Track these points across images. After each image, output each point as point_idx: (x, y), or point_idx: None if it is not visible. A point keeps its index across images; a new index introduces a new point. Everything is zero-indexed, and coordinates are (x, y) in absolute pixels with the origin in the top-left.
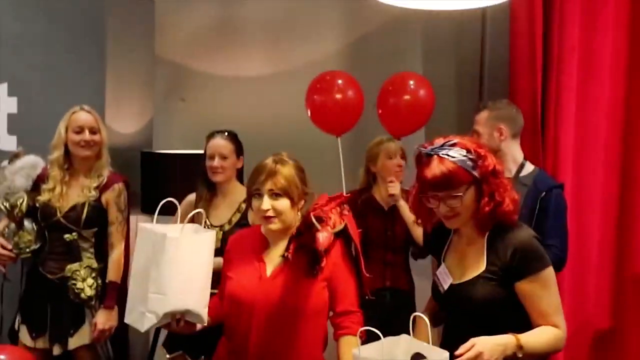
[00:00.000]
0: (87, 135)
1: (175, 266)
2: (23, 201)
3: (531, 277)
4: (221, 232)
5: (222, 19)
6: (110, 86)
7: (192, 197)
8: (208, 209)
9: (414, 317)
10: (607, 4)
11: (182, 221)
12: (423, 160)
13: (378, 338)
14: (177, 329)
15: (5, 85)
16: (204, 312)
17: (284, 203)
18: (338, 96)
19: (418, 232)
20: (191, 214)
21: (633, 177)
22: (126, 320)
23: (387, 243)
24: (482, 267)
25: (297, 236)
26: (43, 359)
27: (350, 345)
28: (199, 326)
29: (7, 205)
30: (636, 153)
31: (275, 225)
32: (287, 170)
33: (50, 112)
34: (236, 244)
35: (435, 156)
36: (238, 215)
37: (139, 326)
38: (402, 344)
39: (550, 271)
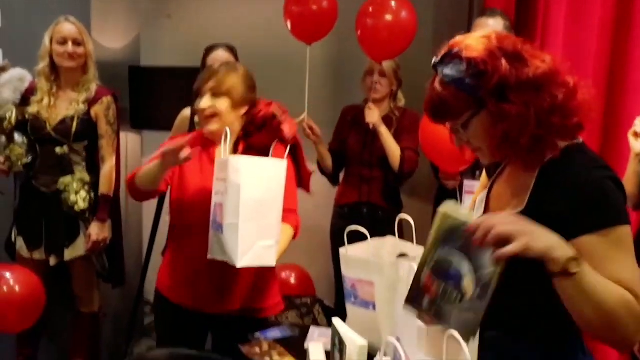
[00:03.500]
0: (70, 47)
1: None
2: (12, 113)
3: (595, 234)
4: None
5: None
6: None
7: (187, 111)
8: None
9: (400, 219)
10: None
11: (175, 135)
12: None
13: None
14: None
15: None
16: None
17: (224, 103)
18: (314, 7)
19: (395, 159)
20: None
21: (621, 89)
22: (244, 264)
23: (362, 159)
24: (521, 206)
25: (245, 137)
26: (41, 270)
27: (285, 230)
28: None
29: None
30: (624, 69)
31: (213, 126)
32: (232, 73)
33: (35, 25)
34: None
35: (435, 75)
36: None
37: (268, 261)
38: (387, 244)
39: (625, 231)
